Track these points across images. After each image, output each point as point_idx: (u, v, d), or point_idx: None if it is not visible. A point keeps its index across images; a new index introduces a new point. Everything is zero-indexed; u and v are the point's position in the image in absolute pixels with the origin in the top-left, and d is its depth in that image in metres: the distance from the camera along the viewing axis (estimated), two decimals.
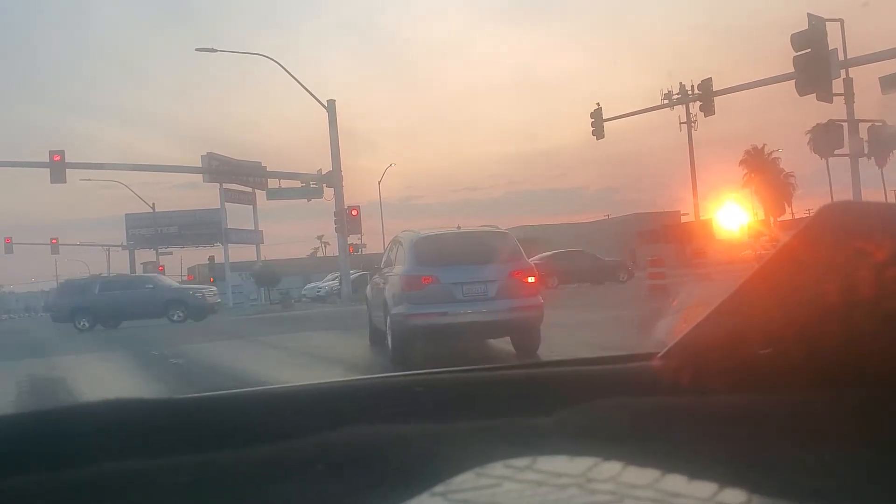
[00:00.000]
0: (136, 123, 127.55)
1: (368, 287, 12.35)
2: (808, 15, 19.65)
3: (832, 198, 19.52)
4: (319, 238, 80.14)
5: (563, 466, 0.66)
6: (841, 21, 21.96)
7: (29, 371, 11.78)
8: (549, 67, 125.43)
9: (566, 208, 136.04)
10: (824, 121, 25.02)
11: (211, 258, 47.34)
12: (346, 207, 31.38)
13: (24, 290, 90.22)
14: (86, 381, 10.02)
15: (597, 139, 29.03)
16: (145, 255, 56.39)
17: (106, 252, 66.68)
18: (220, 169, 42.19)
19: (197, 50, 32.56)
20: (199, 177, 40.94)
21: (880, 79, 21.13)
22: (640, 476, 0.63)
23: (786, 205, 56.96)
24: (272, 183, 39.24)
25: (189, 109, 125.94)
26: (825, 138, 25.76)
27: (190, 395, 1.05)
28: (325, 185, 32.95)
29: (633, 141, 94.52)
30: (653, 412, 0.87)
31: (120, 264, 59.63)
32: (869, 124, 24.62)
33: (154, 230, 53.81)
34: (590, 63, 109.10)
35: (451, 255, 9.76)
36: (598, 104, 29.07)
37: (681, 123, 33.41)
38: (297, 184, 36.38)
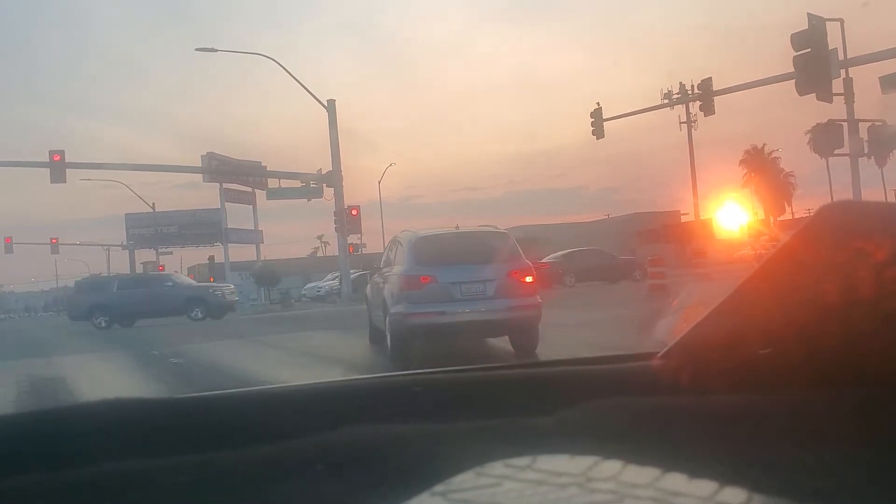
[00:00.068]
0: (137, 123, 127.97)
1: (368, 287, 12.37)
2: (808, 15, 19.68)
3: (832, 197, 19.58)
4: (319, 238, 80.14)
5: (563, 466, 0.66)
6: (841, 21, 21.98)
7: (29, 371, 11.78)
8: (549, 67, 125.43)
9: (566, 208, 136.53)
10: (824, 121, 25.03)
11: (211, 258, 47.34)
12: (346, 207, 31.37)
13: (24, 290, 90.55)
14: (86, 381, 10.02)
15: (597, 139, 29.06)
16: (145, 254, 56.51)
17: (106, 252, 66.96)
18: (220, 169, 42.26)
19: (197, 50, 32.59)
20: (199, 177, 41.09)
21: (880, 78, 21.14)
22: (640, 475, 0.63)
23: (786, 204, 56.85)
24: (272, 183, 39.28)
25: (189, 109, 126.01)
26: (825, 138, 25.75)
27: (190, 395, 1.06)
28: (325, 184, 32.95)
29: (633, 141, 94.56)
30: (653, 412, 0.87)
31: (120, 264, 59.89)
32: (869, 124, 24.61)
33: (154, 230, 53.83)
34: (590, 63, 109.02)
35: (449, 255, 9.79)
36: (598, 104, 29.13)
37: (681, 123, 33.45)
38: (297, 184, 36.40)
